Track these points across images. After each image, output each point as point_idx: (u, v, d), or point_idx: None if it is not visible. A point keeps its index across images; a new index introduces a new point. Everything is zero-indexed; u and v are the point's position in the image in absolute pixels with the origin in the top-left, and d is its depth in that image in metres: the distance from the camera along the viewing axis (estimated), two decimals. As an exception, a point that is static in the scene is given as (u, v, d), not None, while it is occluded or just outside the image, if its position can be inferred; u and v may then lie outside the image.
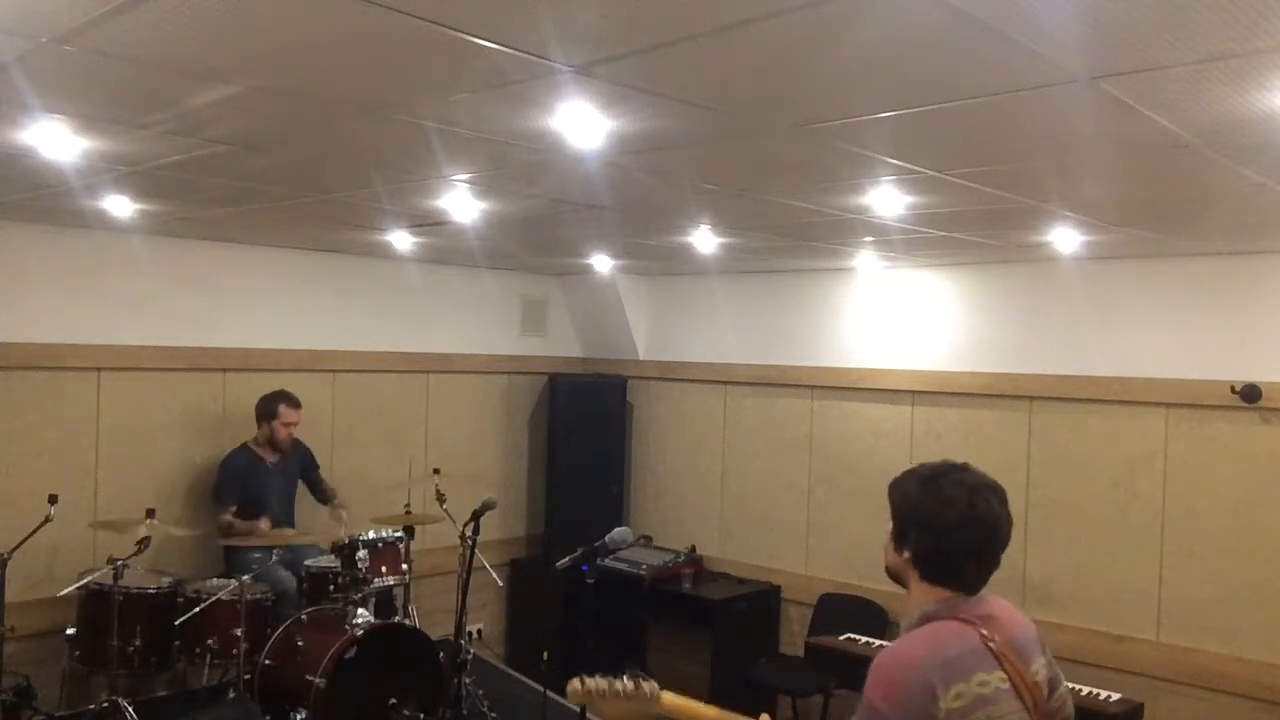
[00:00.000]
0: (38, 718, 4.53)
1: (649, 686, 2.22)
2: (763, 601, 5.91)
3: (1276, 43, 1.72)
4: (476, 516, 4.60)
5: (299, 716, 4.35)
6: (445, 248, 5.48)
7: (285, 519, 5.24)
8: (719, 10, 1.69)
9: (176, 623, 4.48)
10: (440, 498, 5.27)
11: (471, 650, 5.17)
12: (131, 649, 4.37)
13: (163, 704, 4.79)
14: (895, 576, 2.02)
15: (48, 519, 4.41)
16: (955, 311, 5.32)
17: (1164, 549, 4.59)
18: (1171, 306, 4.59)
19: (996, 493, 1.89)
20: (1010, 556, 1.96)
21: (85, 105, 2.50)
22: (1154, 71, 1.89)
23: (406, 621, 4.92)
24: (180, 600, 4.56)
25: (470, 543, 4.60)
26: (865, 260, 5.34)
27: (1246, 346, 4.36)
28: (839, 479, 5.77)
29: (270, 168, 3.22)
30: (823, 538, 5.85)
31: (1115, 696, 4.08)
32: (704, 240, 4.67)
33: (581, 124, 2.47)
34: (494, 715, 4.94)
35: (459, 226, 4.42)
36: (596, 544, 4.24)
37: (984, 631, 1.82)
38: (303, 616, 4.67)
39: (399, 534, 4.95)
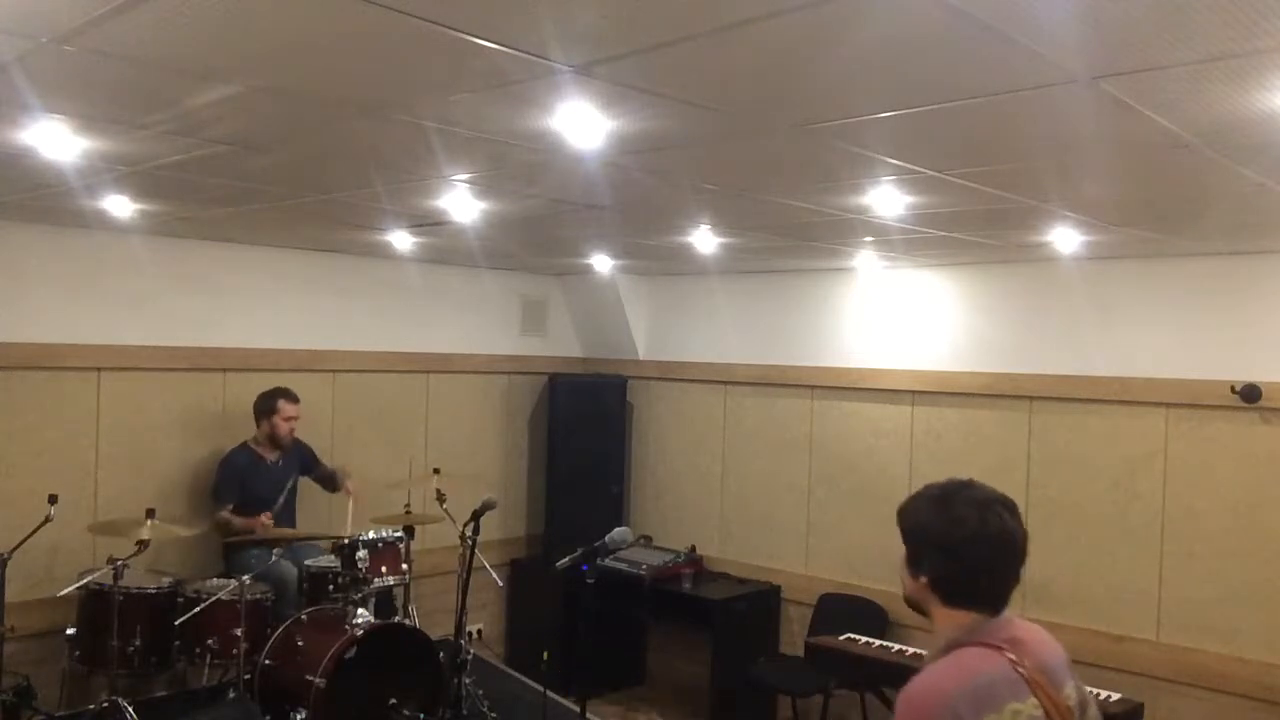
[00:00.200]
0: (38, 718, 4.53)
1: None
2: (763, 601, 5.91)
3: (1276, 43, 1.72)
4: (476, 516, 4.60)
5: (299, 716, 4.34)
6: (445, 248, 5.48)
7: (287, 518, 5.24)
8: (719, 10, 1.68)
9: (176, 623, 4.47)
10: (440, 498, 5.28)
11: (471, 650, 5.17)
12: (131, 649, 4.37)
13: (163, 704, 4.79)
14: (916, 606, 1.93)
15: (48, 519, 4.41)
16: (955, 311, 5.32)
17: (1164, 549, 4.59)
18: (1171, 306, 4.59)
19: (1007, 506, 1.85)
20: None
21: (85, 105, 2.50)
22: (1154, 71, 1.89)
23: (406, 621, 4.92)
24: (180, 600, 4.55)
25: (470, 543, 4.61)
26: (865, 260, 5.34)
27: (1246, 346, 4.36)
28: (839, 479, 5.77)
29: (270, 168, 3.22)
30: (823, 538, 5.85)
31: (1115, 696, 4.08)
32: (704, 240, 4.67)
33: (581, 124, 2.47)
34: (494, 715, 4.94)
35: (459, 226, 4.42)
36: (596, 544, 4.24)
37: (1012, 657, 1.76)
38: (303, 616, 4.67)
39: (399, 534, 4.94)
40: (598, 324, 6.99)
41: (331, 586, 4.79)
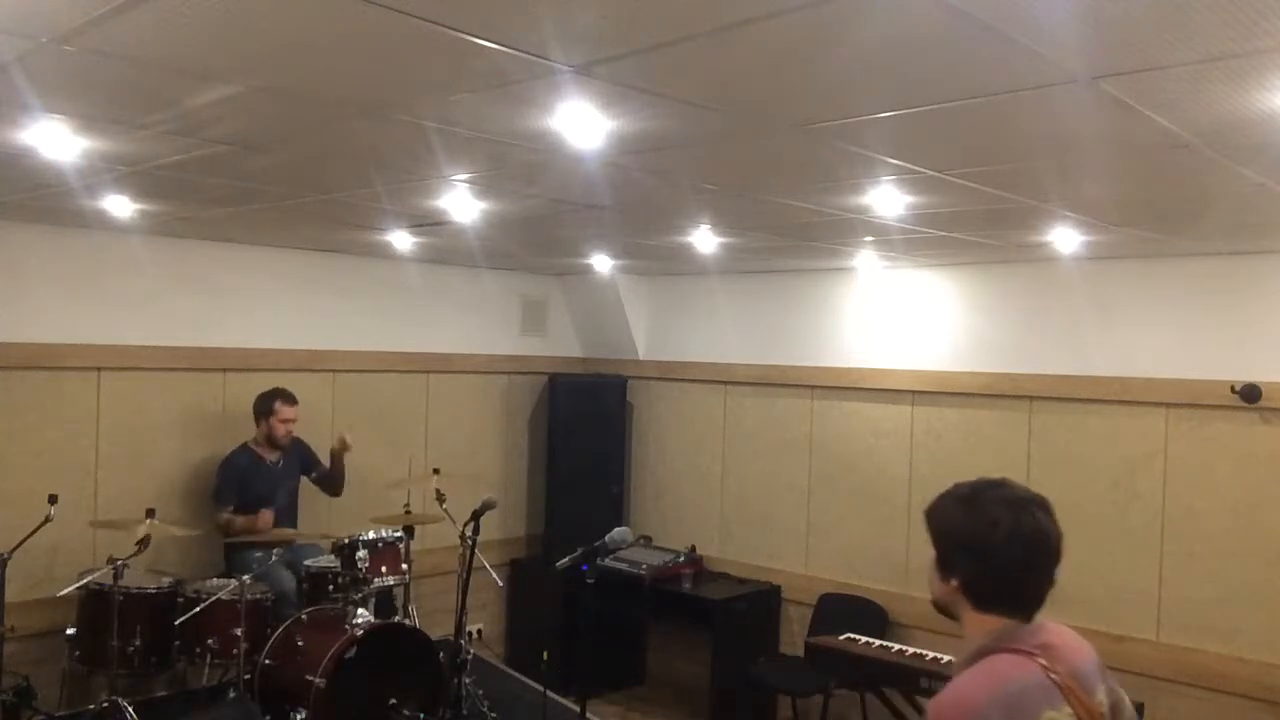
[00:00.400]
0: (38, 718, 4.53)
1: None
2: (763, 601, 5.91)
3: (1276, 43, 1.72)
4: (476, 516, 4.60)
5: (299, 716, 4.34)
6: (445, 248, 5.48)
7: (288, 519, 5.24)
8: (719, 10, 1.68)
9: (176, 623, 4.47)
10: (440, 498, 5.27)
11: (471, 650, 5.17)
12: (131, 649, 4.37)
13: (163, 704, 4.79)
14: (944, 609, 1.87)
15: (48, 519, 4.41)
16: (955, 311, 5.32)
17: (1164, 549, 4.59)
18: (1171, 306, 4.59)
19: (1041, 506, 1.79)
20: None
21: (85, 105, 2.50)
22: (1154, 71, 1.89)
23: (406, 621, 4.91)
24: (180, 600, 4.55)
25: (470, 543, 4.61)
26: (865, 260, 5.34)
27: (1246, 346, 4.36)
28: (839, 479, 5.77)
29: (270, 168, 3.22)
30: (823, 538, 5.85)
31: (1115, 696, 4.08)
32: (704, 240, 4.67)
33: (581, 124, 2.47)
34: (494, 715, 4.94)
35: (459, 226, 4.42)
36: (596, 544, 4.24)
37: (1045, 663, 1.71)
38: (303, 616, 4.67)
39: (399, 534, 4.95)
40: (598, 324, 6.99)
41: (331, 586, 4.79)
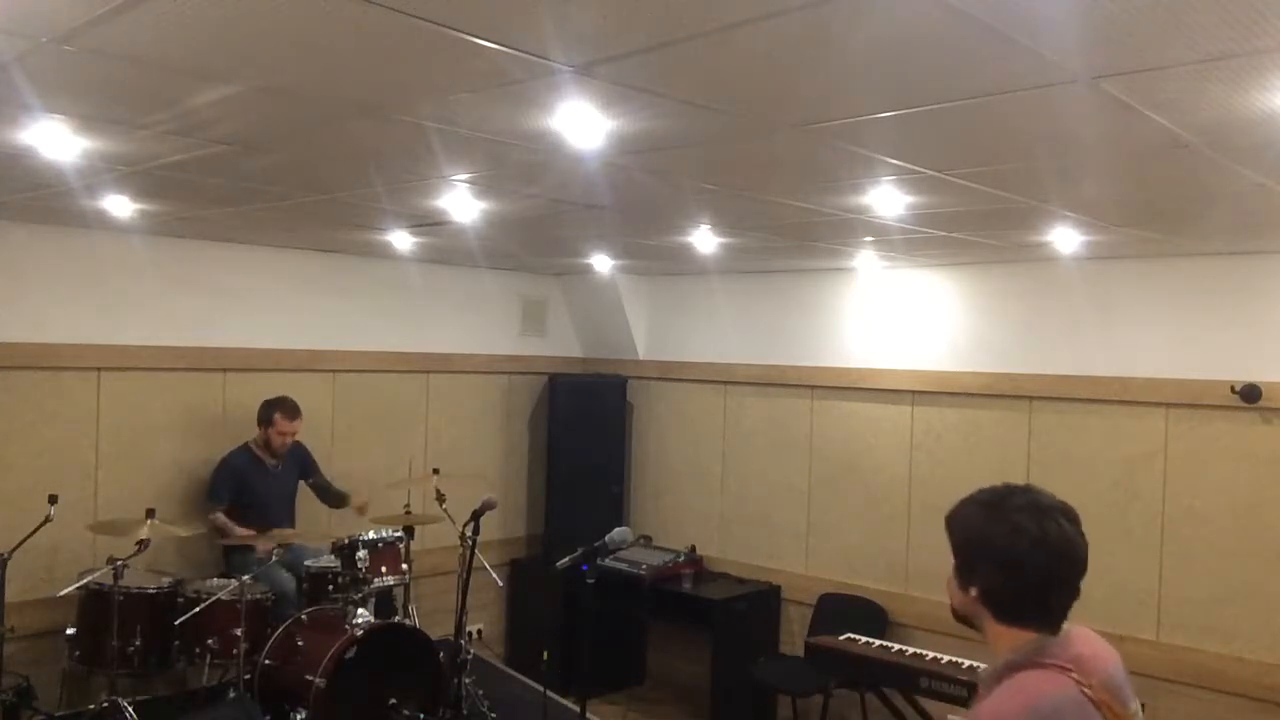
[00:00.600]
0: (38, 718, 4.53)
1: None
2: (763, 601, 5.91)
3: (1276, 43, 1.72)
4: (476, 516, 4.60)
5: (299, 716, 4.35)
6: (445, 248, 5.48)
7: (285, 520, 5.24)
8: (719, 10, 1.68)
9: (176, 623, 4.47)
10: (440, 498, 5.27)
11: (471, 650, 5.17)
12: (131, 649, 4.37)
13: (163, 704, 4.78)
14: (964, 619, 1.80)
15: (48, 519, 4.41)
16: (955, 311, 5.32)
17: (1164, 549, 4.59)
18: (1171, 306, 4.59)
19: (1067, 514, 1.72)
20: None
21: (85, 105, 2.50)
22: (1154, 71, 1.89)
23: (406, 621, 4.92)
24: (180, 600, 4.55)
25: (470, 543, 4.61)
26: (865, 260, 5.34)
27: (1246, 346, 4.36)
28: (839, 479, 5.77)
29: (270, 168, 3.22)
30: (823, 538, 5.85)
31: (1115, 696, 4.08)
32: (704, 240, 4.67)
33: (581, 124, 2.47)
34: (494, 715, 4.94)
35: (459, 226, 4.42)
36: (596, 544, 4.24)
37: (1078, 678, 1.64)
38: (303, 616, 4.67)
39: (399, 534, 4.95)
40: (598, 324, 6.99)
41: (331, 586, 4.79)
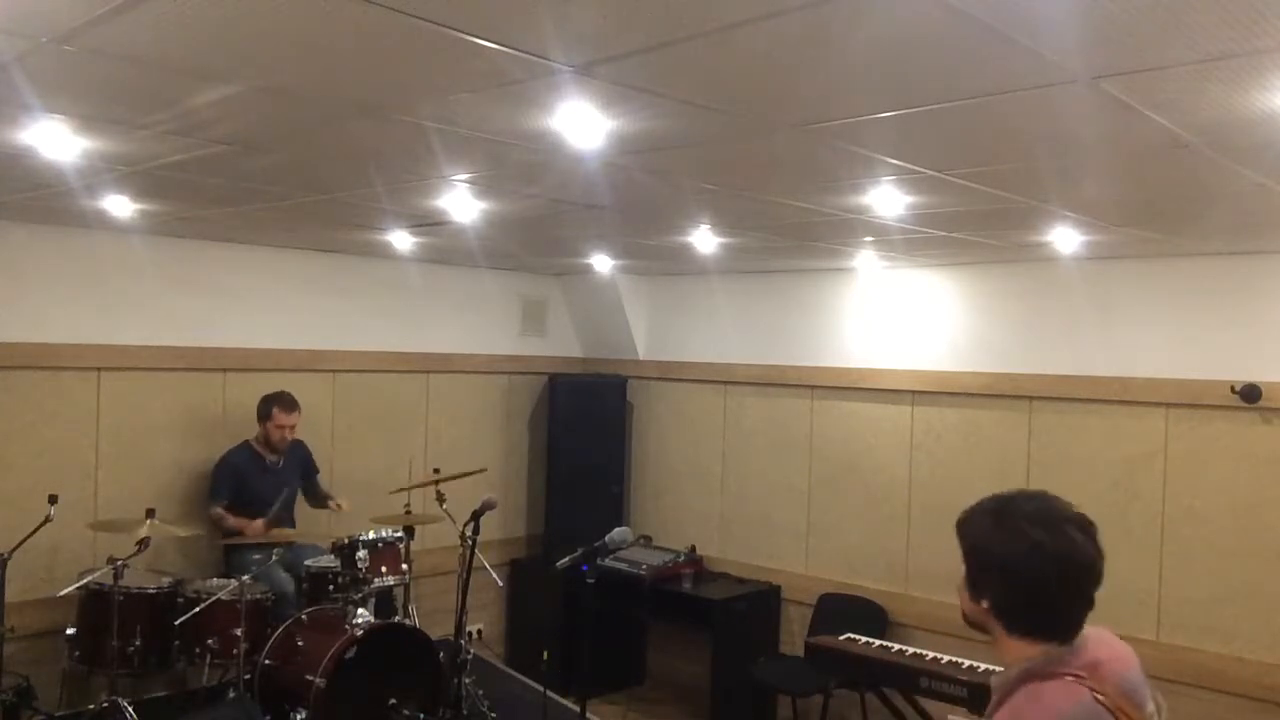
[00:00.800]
0: (38, 718, 4.53)
1: None
2: (763, 601, 5.91)
3: (1276, 43, 1.72)
4: (476, 516, 4.60)
5: (299, 716, 4.35)
6: (445, 248, 5.48)
7: (285, 519, 5.24)
8: (719, 10, 1.68)
9: (176, 623, 4.47)
10: (440, 498, 5.27)
11: (471, 650, 5.17)
12: (131, 649, 4.37)
13: (163, 704, 4.79)
14: (975, 626, 1.75)
15: (48, 519, 4.41)
16: (955, 311, 5.32)
17: (1164, 549, 4.59)
18: (1171, 306, 4.59)
19: (1079, 525, 1.66)
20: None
21: (85, 105, 2.50)
22: (1154, 71, 1.89)
23: (406, 621, 4.92)
24: (180, 600, 4.55)
25: (470, 543, 4.61)
26: (865, 260, 5.34)
27: (1246, 346, 4.36)
28: (839, 479, 5.77)
29: (270, 168, 3.22)
30: (823, 538, 5.85)
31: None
32: (704, 240, 4.67)
33: (581, 124, 2.47)
34: (494, 715, 4.94)
35: (459, 226, 4.42)
36: (596, 544, 4.25)
37: (1094, 686, 1.60)
38: (303, 616, 4.67)
39: (399, 534, 4.95)
40: (598, 324, 6.99)
41: (331, 586, 4.79)
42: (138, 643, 4.38)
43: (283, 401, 5.17)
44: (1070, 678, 1.61)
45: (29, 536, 4.40)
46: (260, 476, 5.17)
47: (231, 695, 4.48)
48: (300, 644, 4.51)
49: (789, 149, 2.73)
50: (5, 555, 4.38)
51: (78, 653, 4.44)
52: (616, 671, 6.35)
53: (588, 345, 7.17)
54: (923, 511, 5.36)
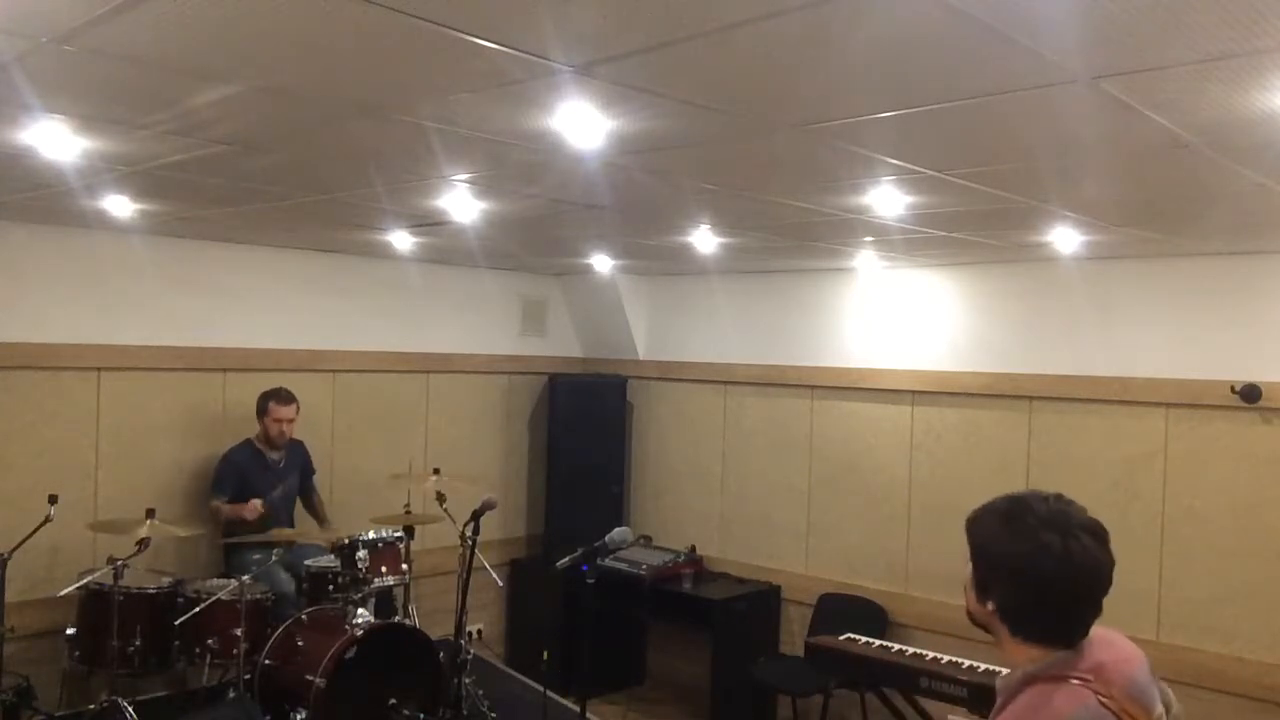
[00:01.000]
0: (38, 718, 4.53)
1: None
2: (763, 601, 5.91)
3: (1276, 43, 1.72)
4: (476, 516, 4.60)
5: (299, 716, 4.35)
6: (445, 248, 5.48)
7: (285, 519, 5.24)
8: (719, 10, 1.68)
9: (176, 623, 4.47)
10: (440, 498, 5.27)
11: (471, 650, 5.17)
12: (131, 649, 4.37)
13: (163, 704, 4.78)
14: (980, 626, 1.74)
15: (48, 519, 4.41)
16: (955, 311, 5.32)
17: (1164, 549, 4.59)
18: (1171, 306, 4.59)
19: (1092, 532, 1.65)
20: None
21: (85, 105, 2.50)
22: (1154, 71, 1.89)
23: (406, 621, 4.92)
24: (180, 600, 4.55)
25: (470, 543, 4.61)
26: (865, 260, 5.34)
27: (1246, 346, 4.36)
28: (839, 479, 5.77)
29: (270, 168, 3.22)
30: (823, 538, 5.85)
31: (1115, 696, 4.07)
32: (704, 240, 4.67)
33: (581, 124, 2.47)
34: (494, 715, 4.94)
35: (459, 226, 4.42)
36: (596, 544, 4.24)
37: (1099, 689, 1.58)
38: (303, 616, 4.67)
39: (399, 534, 4.95)
40: (598, 324, 6.99)
41: (331, 586, 4.79)
42: (138, 643, 4.38)
43: (279, 395, 5.19)
44: (1075, 681, 1.59)
45: (29, 536, 4.40)
46: (262, 474, 5.17)
47: (231, 695, 4.48)
48: (300, 644, 4.51)
49: (789, 149, 2.73)
50: (5, 555, 4.38)
51: (78, 653, 4.44)
52: (616, 671, 6.35)
53: (588, 345, 7.17)
54: (923, 511, 5.36)
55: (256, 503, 4.95)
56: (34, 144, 2.90)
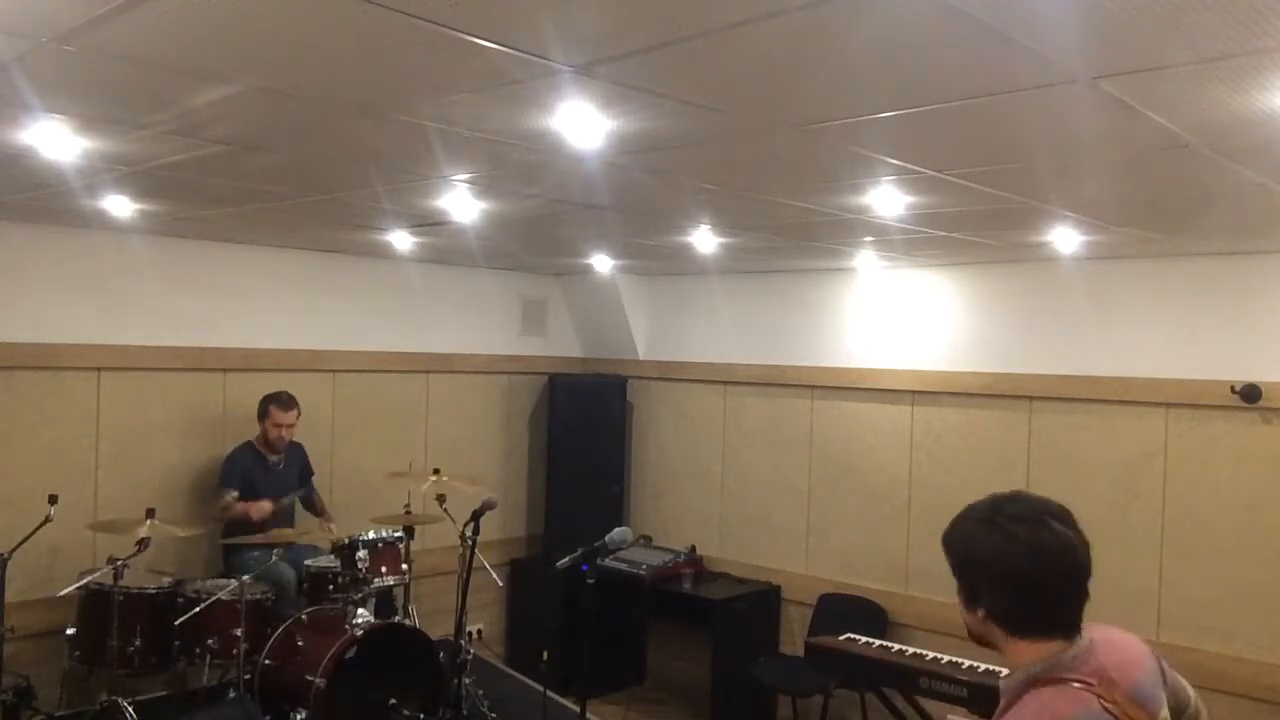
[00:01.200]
0: (38, 718, 4.53)
1: None
2: (763, 601, 5.91)
3: (1276, 43, 1.72)
4: (476, 516, 4.60)
5: (299, 716, 4.35)
6: (445, 248, 5.48)
7: (285, 520, 5.24)
8: (719, 10, 1.68)
9: (176, 623, 4.47)
10: (440, 498, 5.27)
11: (471, 650, 5.17)
12: (131, 649, 4.37)
13: (163, 704, 4.79)
14: (981, 640, 1.73)
15: (48, 519, 4.41)
16: (955, 311, 5.32)
17: (1164, 549, 4.59)
18: (1171, 306, 4.59)
19: (1058, 516, 1.65)
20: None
21: (85, 105, 2.50)
22: (1154, 71, 1.89)
23: (406, 621, 4.92)
24: (180, 600, 4.55)
25: (470, 543, 4.61)
26: (865, 260, 5.34)
27: (1246, 346, 4.36)
28: (839, 479, 5.77)
29: (270, 168, 3.22)
30: (823, 538, 5.85)
31: (1115, 696, 4.07)
32: (704, 240, 4.67)
33: (581, 124, 2.47)
34: (494, 715, 4.94)
35: (459, 226, 4.42)
36: (596, 544, 4.24)
37: (1101, 693, 1.57)
38: (303, 616, 4.67)
39: (399, 534, 4.95)
40: (598, 324, 6.99)
41: (331, 586, 4.79)
42: (138, 643, 4.39)
43: (280, 400, 5.18)
44: (1077, 684, 1.59)
45: (29, 536, 4.40)
46: (264, 476, 5.17)
47: (231, 695, 4.48)
48: (300, 644, 4.51)
49: (789, 149, 2.73)
50: (5, 555, 4.38)
51: (78, 653, 4.45)
52: (616, 671, 6.35)
53: (588, 345, 7.17)
54: (923, 511, 5.36)
55: (267, 505, 4.95)
56: (34, 144, 2.90)
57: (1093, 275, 4.79)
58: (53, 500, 4.43)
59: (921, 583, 5.34)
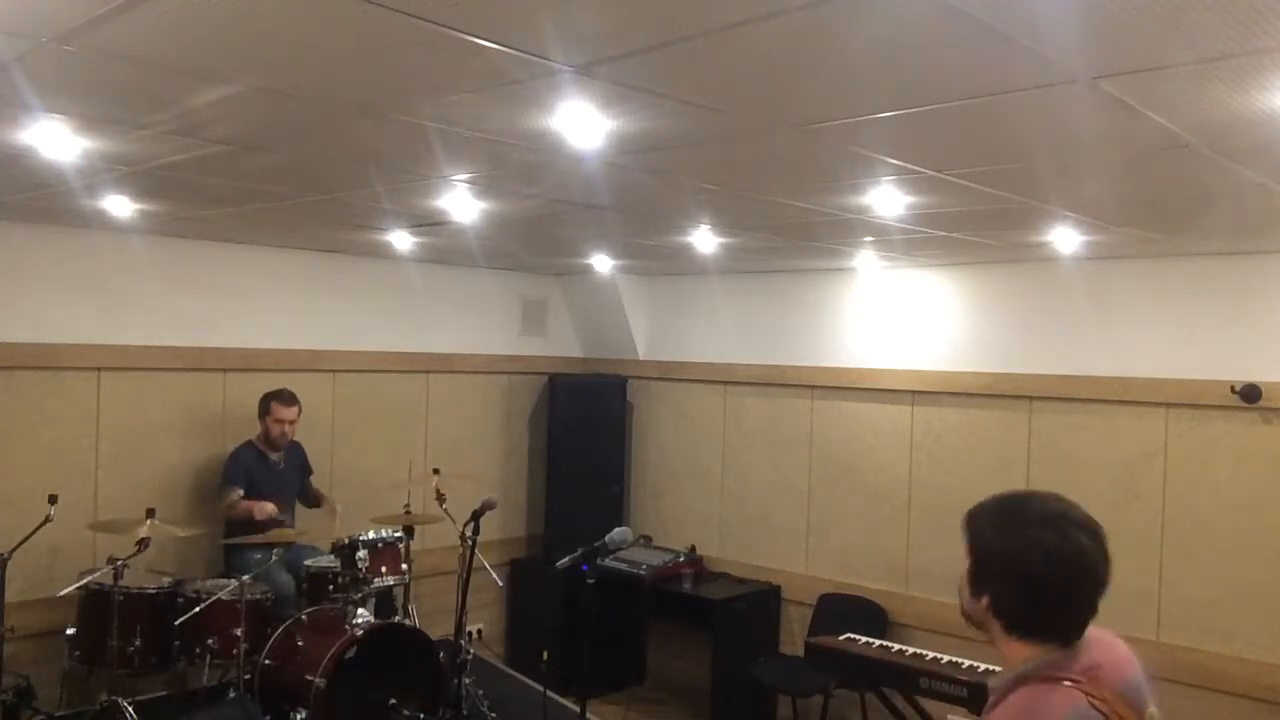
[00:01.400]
0: (38, 718, 4.53)
1: None
2: (763, 601, 5.91)
3: (1276, 43, 1.72)
4: (476, 517, 4.60)
5: (299, 716, 4.35)
6: (445, 248, 5.48)
7: (286, 520, 5.23)
8: (719, 10, 1.68)
9: (176, 623, 4.47)
10: (440, 498, 5.27)
11: (471, 650, 5.17)
12: (131, 649, 4.37)
13: (163, 704, 4.78)
14: (974, 624, 1.72)
15: (48, 519, 4.41)
16: (955, 311, 5.32)
17: (1164, 549, 4.59)
18: (1171, 306, 4.59)
19: (1087, 530, 1.63)
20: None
21: (85, 105, 2.50)
22: (1154, 71, 1.89)
23: (406, 621, 4.92)
24: (180, 600, 4.55)
25: (470, 543, 4.61)
26: (865, 260, 5.34)
27: (1246, 346, 4.36)
28: (839, 479, 5.77)
29: (270, 168, 3.22)
30: (823, 538, 5.85)
31: (1115, 696, 4.07)
32: (704, 240, 4.67)
33: (581, 124, 2.47)
34: (494, 715, 4.94)
35: (459, 226, 4.42)
36: (596, 544, 4.25)
37: (1091, 691, 1.57)
38: (303, 616, 4.67)
39: (399, 534, 4.95)
40: (598, 324, 6.99)
41: (331, 586, 4.79)
42: (138, 643, 4.38)
43: (282, 397, 5.18)
44: (1067, 683, 1.58)
45: (29, 536, 4.40)
46: (265, 476, 5.17)
47: (231, 695, 4.48)
48: (300, 644, 4.51)
49: (789, 149, 2.73)
50: (5, 555, 4.38)
51: (78, 653, 4.44)
52: (616, 671, 6.35)
53: (588, 345, 7.17)
54: (923, 511, 5.36)
55: (270, 506, 4.94)
56: (34, 144, 2.90)
57: (1093, 275, 4.79)
58: (53, 500, 4.43)
59: (921, 583, 5.34)
